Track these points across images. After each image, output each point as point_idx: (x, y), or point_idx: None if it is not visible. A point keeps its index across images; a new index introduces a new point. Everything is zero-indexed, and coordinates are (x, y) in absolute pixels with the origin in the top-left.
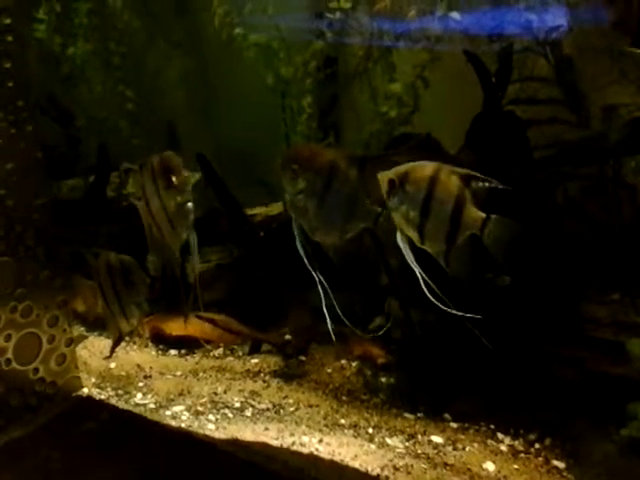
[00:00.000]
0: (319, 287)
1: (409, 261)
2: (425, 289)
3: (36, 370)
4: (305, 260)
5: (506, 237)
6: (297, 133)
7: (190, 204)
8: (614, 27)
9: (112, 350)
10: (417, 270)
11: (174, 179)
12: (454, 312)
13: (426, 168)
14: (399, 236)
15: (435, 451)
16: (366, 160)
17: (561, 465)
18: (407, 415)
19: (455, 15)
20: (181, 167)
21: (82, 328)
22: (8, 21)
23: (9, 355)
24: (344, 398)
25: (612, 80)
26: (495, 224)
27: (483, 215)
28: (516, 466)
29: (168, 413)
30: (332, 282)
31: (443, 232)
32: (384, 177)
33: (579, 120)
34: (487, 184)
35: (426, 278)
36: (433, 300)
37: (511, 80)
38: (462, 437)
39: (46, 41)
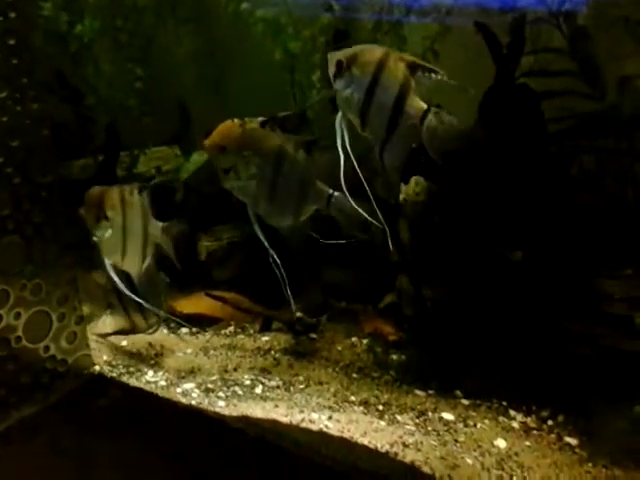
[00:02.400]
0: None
1: (339, 145)
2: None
3: (47, 348)
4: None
5: (444, 131)
6: (307, 109)
7: None
8: None
9: (111, 334)
10: (342, 155)
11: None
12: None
13: (375, 52)
14: (339, 119)
15: (445, 428)
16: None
17: (574, 442)
18: (418, 392)
19: None
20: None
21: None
22: None
23: (19, 333)
24: (354, 375)
25: (629, 51)
26: (435, 116)
27: (424, 106)
28: (528, 443)
29: (179, 390)
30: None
31: (384, 119)
32: (333, 58)
33: (594, 92)
34: (432, 74)
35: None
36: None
37: (524, 52)
38: (473, 414)
39: (53, 19)
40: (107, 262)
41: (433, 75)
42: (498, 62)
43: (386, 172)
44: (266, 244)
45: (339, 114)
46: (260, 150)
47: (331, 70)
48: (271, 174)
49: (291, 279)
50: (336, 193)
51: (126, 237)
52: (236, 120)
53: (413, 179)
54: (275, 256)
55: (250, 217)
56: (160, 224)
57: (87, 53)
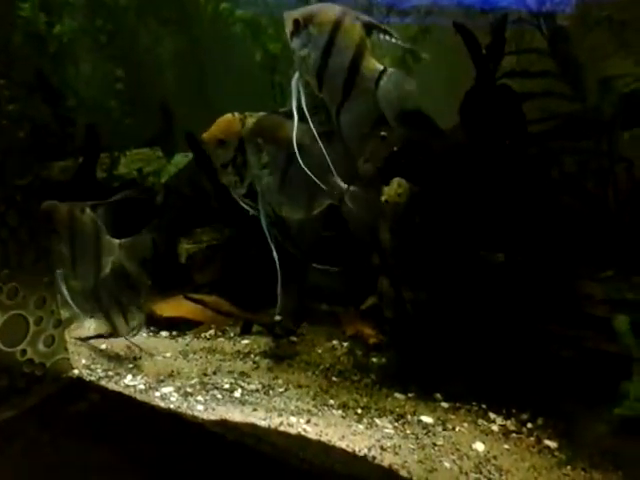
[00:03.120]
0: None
1: (294, 106)
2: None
3: (24, 352)
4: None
5: (398, 92)
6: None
7: None
8: None
9: (93, 337)
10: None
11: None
12: None
13: (332, 11)
14: (295, 79)
15: (424, 431)
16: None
17: (553, 445)
18: (397, 395)
19: None
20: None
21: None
22: None
23: None
24: (334, 378)
25: (611, 51)
26: (390, 77)
27: (380, 67)
28: (507, 446)
29: (157, 394)
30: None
31: (340, 80)
32: (290, 16)
33: (575, 93)
34: (388, 36)
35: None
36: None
37: (505, 52)
38: (452, 417)
39: (32, 20)
40: (58, 273)
41: (387, 37)
42: (478, 63)
43: (343, 135)
44: (270, 240)
45: (296, 74)
46: (275, 138)
47: (288, 29)
48: (285, 164)
49: (273, 282)
50: (352, 188)
51: (75, 252)
52: (236, 114)
53: (395, 180)
54: (276, 253)
55: (260, 208)
56: (117, 242)
57: (67, 54)
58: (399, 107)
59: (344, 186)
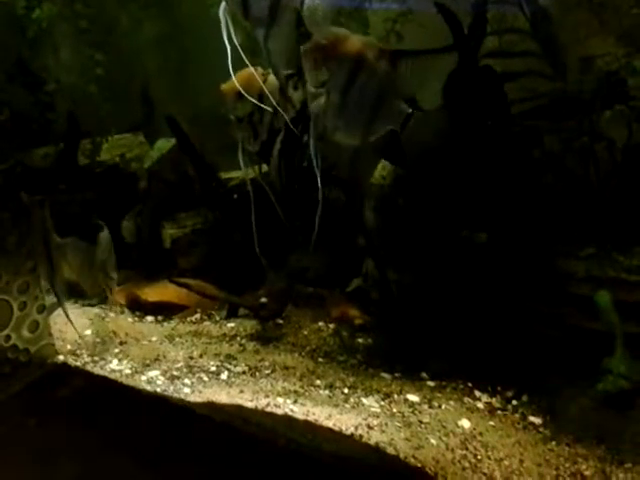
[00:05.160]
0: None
1: (225, 35)
2: None
3: (8, 337)
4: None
5: (324, 8)
6: None
7: None
8: None
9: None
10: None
11: None
12: None
13: None
14: (222, 9)
15: (410, 410)
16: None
17: (537, 421)
18: (384, 375)
19: None
20: None
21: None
22: None
23: None
24: (320, 359)
25: (592, 31)
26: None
27: None
28: (492, 423)
29: (144, 378)
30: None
31: (266, 3)
32: None
33: (556, 73)
34: None
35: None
36: None
37: (487, 33)
38: (439, 395)
39: (10, 4)
40: None
41: None
42: (460, 44)
43: (272, 61)
44: (316, 168)
45: (222, 4)
46: (337, 53)
47: None
48: (345, 82)
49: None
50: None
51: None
52: (259, 68)
53: (379, 163)
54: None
55: (311, 133)
56: (59, 240)
57: (47, 39)
58: (325, 24)
59: (409, 110)
